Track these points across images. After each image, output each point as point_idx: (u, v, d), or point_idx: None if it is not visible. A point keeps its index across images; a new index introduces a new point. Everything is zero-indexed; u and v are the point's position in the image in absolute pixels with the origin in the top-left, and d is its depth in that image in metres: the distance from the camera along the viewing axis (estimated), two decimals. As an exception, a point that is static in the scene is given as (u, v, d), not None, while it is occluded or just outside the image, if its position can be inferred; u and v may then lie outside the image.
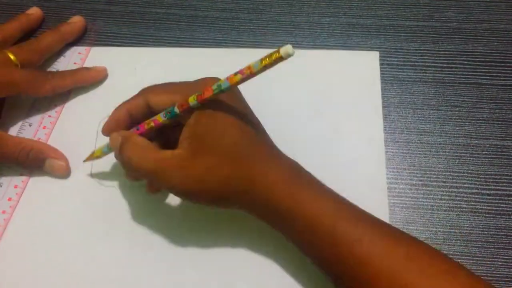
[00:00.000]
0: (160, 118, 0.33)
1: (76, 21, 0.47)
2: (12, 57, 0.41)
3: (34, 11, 0.48)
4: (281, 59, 0.27)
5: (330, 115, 0.43)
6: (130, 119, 0.35)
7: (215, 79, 0.32)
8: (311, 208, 0.31)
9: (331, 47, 0.47)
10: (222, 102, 0.32)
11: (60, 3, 0.50)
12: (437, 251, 0.31)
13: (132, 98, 0.35)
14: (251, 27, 0.48)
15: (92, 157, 0.39)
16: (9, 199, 0.39)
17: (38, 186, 0.40)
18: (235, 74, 0.30)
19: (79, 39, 0.47)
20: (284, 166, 0.33)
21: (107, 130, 0.35)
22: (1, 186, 0.40)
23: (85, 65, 0.46)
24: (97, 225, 0.38)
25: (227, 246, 0.38)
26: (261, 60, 0.28)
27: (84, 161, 0.40)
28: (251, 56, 0.30)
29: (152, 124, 0.34)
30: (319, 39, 0.47)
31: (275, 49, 0.27)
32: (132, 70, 0.45)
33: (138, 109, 0.35)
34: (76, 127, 0.43)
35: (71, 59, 0.46)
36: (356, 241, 0.30)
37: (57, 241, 0.38)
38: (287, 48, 0.27)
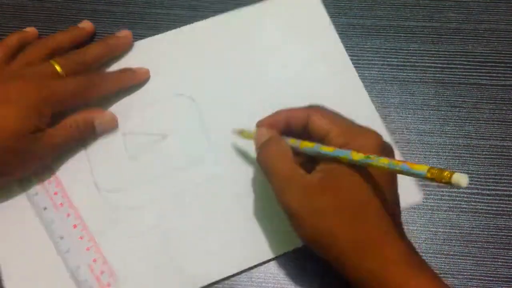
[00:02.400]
0: (324, 148, 0.32)
1: (125, 35, 0.46)
2: (58, 68, 0.40)
3: (86, 25, 0.46)
4: (448, 183, 0.24)
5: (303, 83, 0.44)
6: (285, 127, 0.35)
7: (376, 136, 0.32)
8: None
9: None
10: (374, 176, 0.31)
11: (59, 4, 0.50)
12: None
13: (296, 108, 0.35)
14: (251, 28, 0.48)
15: (243, 134, 0.39)
16: (87, 249, 0.38)
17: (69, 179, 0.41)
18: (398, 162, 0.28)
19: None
20: (401, 247, 0.30)
21: (261, 123, 0.36)
22: (37, 195, 0.40)
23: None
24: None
25: None
26: (429, 169, 0.26)
27: (238, 132, 0.40)
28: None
29: (305, 147, 0.33)
30: (319, 39, 0.47)
31: (447, 170, 0.25)
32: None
33: (297, 121, 0.34)
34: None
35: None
36: None
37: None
38: (460, 178, 0.24)
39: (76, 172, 0.41)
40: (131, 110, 0.43)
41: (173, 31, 0.47)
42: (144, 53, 0.46)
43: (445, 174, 0.24)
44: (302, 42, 0.46)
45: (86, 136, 0.41)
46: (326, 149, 0.31)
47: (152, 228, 0.39)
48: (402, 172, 0.28)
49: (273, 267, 0.38)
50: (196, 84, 0.44)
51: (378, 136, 0.32)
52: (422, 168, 0.26)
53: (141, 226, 0.39)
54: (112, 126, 0.42)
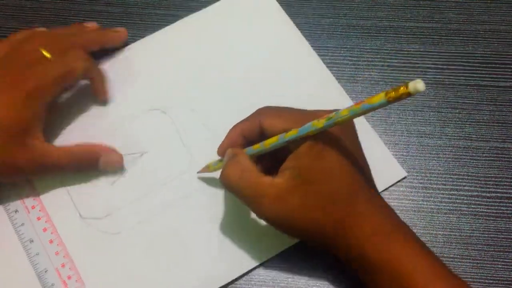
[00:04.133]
0: (274, 142, 0.32)
1: (120, 30, 0.46)
2: (46, 54, 0.38)
3: (121, 30, 0.46)
4: (408, 94, 0.24)
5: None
6: (244, 140, 0.35)
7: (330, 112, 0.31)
8: (405, 264, 0.30)
9: (331, 48, 0.46)
10: (334, 137, 0.31)
11: (58, 4, 0.50)
12: None
13: (246, 119, 0.35)
14: (251, 28, 0.48)
15: (206, 169, 0.39)
16: (57, 253, 0.38)
17: (51, 200, 0.40)
18: (352, 107, 0.28)
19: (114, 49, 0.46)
20: (381, 217, 0.32)
21: (222, 150, 0.36)
22: (17, 212, 0.39)
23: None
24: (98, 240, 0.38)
25: None
26: (386, 93, 0.25)
27: (198, 172, 0.40)
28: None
29: (265, 147, 0.33)
30: (319, 40, 0.47)
31: (401, 84, 0.25)
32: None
33: (251, 131, 0.34)
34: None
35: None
36: None
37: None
38: (416, 83, 0.24)
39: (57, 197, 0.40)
40: (108, 129, 0.42)
41: (146, 38, 0.47)
42: (117, 64, 0.45)
43: (401, 89, 0.24)
44: (263, 39, 0.46)
45: (85, 169, 0.40)
46: (290, 133, 0.31)
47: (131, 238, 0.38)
48: (365, 111, 0.27)
49: (271, 267, 0.38)
50: (168, 96, 0.43)
51: (325, 111, 0.32)
52: (380, 97, 0.26)
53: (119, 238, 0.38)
54: (117, 167, 0.40)
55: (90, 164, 0.39)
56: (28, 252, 0.38)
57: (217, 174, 0.36)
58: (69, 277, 0.37)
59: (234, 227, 0.39)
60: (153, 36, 0.47)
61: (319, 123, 0.30)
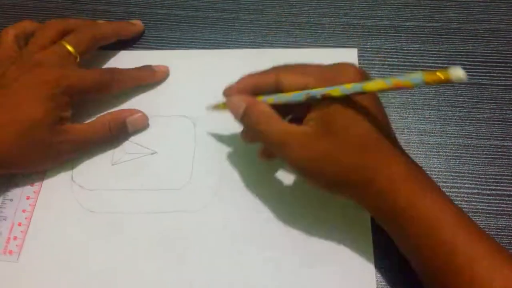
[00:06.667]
0: (296, 96, 0.32)
1: (136, 22, 0.47)
2: (71, 49, 0.40)
3: (137, 23, 0.47)
4: (449, 81, 0.24)
5: None
6: (254, 92, 0.34)
7: (352, 67, 0.32)
8: (432, 210, 0.30)
9: (331, 47, 0.47)
10: (359, 99, 0.31)
11: (60, 4, 0.50)
12: None
13: (262, 72, 0.35)
14: (252, 28, 0.48)
15: (219, 107, 0.39)
16: (24, 211, 0.39)
17: (49, 195, 0.40)
18: (388, 80, 0.28)
19: (132, 42, 0.47)
20: (407, 165, 0.32)
21: (229, 91, 0.35)
22: (12, 201, 0.39)
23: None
24: (101, 230, 0.38)
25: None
26: (423, 74, 0.26)
27: (212, 107, 0.39)
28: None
29: (283, 99, 0.33)
30: (320, 39, 0.47)
31: (442, 69, 0.25)
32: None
33: (266, 85, 0.34)
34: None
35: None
36: (474, 259, 0.28)
37: (61, 245, 0.38)
38: (459, 72, 0.24)
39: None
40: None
41: (205, 51, 0.47)
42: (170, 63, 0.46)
43: (443, 74, 0.24)
44: None
45: (118, 134, 0.41)
46: (316, 89, 0.31)
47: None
48: (399, 85, 0.28)
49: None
50: (198, 109, 0.43)
51: (353, 66, 0.33)
52: (418, 74, 0.26)
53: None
54: (143, 125, 0.42)
55: (120, 128, 0.41)
56: (4, 194, 0.39)
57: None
58: (15, 237, 0.38)
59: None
60: (214, 52, 0.47)
61: (348, 86, 0.30)
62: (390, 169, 0.31)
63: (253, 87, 0.35)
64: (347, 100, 0.31)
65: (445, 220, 0.29)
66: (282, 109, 0.34)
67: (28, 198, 0.39)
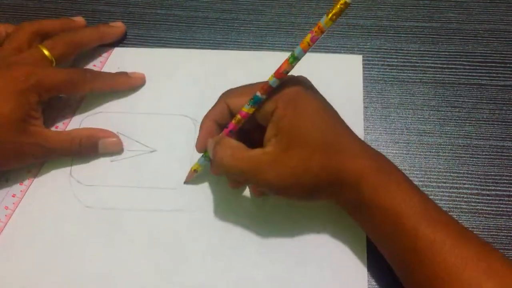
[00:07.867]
0: (245, 108, 0.34)
1: (118, 25, 0.47)
2: (46, 52, 0.40)
3: (78, 19, 0.46)
4: (346, 4, 0.29)
5: None
6: (218, 127, 0.36)
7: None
8: (396, 200, 0.31)
9: (331, 48, 0.47)
10: (301, 96, 0.33)
11: (60, 4, 0.50)
12: None
13: (214, 106, 0.36)
14: (251, 28, 0.48)
15: (192, 174, 0.39)
16: (13, 196, 0.39)
17: (42, 185, 0.40)
18: (305, 38, 0.31)
19: (115, 44, 0.47)
20: (373, 158, 0.33)
21: (201, 144, 0.36)
22: (7, 181, 0.40)
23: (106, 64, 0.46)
24: (99, 226, 0.38)
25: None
26: (327, 13, 0.29)
27: (185, 182, 0.40)
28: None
29: (239, 116, 0.34)
30: (319, 40, 0.47)
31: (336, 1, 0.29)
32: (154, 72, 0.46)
33: (222, 116, 0.35)
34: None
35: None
36: (437, 242, 0.29)
37: (57, 240, 0.38)
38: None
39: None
40: (134, 116, 0.43)
41: (206, 51, 0.47)
42: (159, 61, 0.46)
43: (339, 3, 0.29)
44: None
45: (87, 152, 0.41)
46: (259, 90, 0.33)
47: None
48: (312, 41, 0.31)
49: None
50: (198, 109, 0.41)
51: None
52: (325, 21, 0.30)
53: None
54: (116, 150, 0.41)
55: (90, 147, 0.41)
56: None
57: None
58: None
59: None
60: (215, 52, 0.47)
61: (284, 64, 0.32)
62: (356, 164, 0.32)
63: (214, 124, 0.36)
64: (295, 111, 0.32)
65: (409, 209, 0.31)
66: (246, 139, 0.35)
67: (21, 184, 0.40)
